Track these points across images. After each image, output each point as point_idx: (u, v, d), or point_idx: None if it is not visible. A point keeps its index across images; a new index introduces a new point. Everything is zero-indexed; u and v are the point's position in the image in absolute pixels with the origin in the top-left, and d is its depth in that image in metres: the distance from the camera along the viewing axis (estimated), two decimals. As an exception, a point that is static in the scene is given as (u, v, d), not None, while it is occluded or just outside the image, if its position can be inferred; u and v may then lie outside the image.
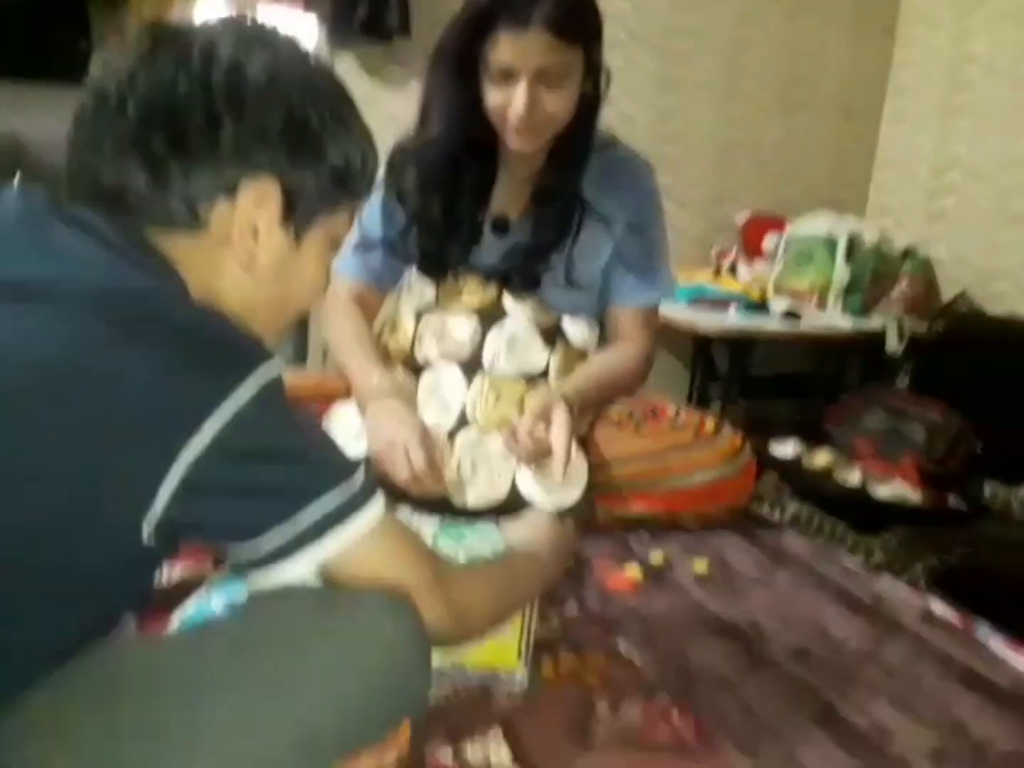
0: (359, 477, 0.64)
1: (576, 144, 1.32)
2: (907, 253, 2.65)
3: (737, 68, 2.84)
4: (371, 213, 1.42)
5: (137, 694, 0.58)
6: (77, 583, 0.58)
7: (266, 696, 0.58)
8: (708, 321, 2.45)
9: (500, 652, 0.90)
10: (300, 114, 0.64)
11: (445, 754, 0.74)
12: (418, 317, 1.41)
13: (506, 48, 1.19)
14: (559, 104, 1.24)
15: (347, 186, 0.68)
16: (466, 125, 1.29)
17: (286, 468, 0.60)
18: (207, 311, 0.62)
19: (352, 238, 1.45)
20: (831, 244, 2.60)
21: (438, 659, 0.86)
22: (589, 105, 1.31)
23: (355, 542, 0.62)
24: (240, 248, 0.64)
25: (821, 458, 2.10)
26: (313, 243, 0.68)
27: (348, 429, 1.30)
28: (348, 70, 2.43)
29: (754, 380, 2.61)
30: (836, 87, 2.97)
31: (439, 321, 1.39)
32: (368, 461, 1.20)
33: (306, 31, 2.39)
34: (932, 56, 2.82)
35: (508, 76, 1.21)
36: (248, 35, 0.65)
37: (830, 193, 2.98)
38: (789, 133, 2.95)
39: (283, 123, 0.63)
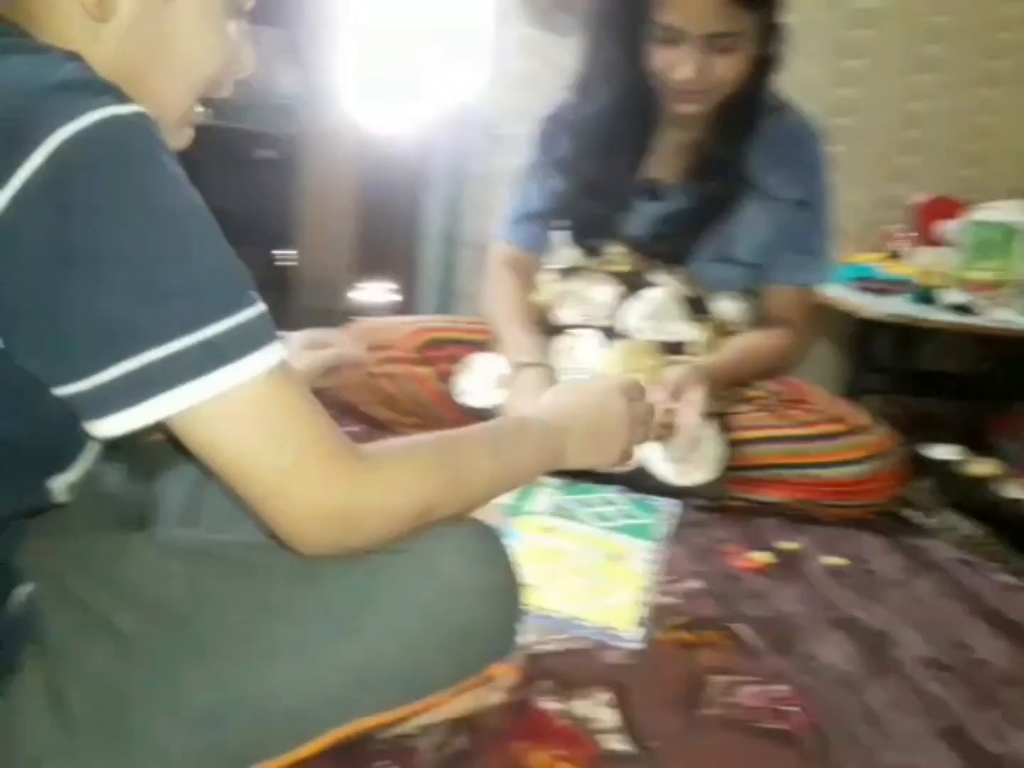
0: (240, 316, 0.50)
1: (744, 110, 1.26)
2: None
3: (931, 32, 2.62)
4: (527, 183, 1.43)
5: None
6: None
7: (336, 633, 0.59)
8: (873, 306, 2.31)
9: (618, 613, 0.90)
10: None
11: (554, 703, 0.75)
12: (561, 279, 1.40)
13: (675, 9, 1.15)
14: (729, 68, 1.19)
15: None
16: (627, 87, 1.26)
17: (118, 289, 0.48)
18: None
19: (509, 208, 1.46)
20: (1015, 234, 2.39)
21: (553, 608, 0.88)
22: (762, 68, 1.24)
23: (206, 406, 0.50)
24: None
25: (983, 467, 1.95)
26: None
27: (487, 376, 1.33)
28: (517, 16, 2.42)
29: (917, 375, 2.45)
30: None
31: (581, 285, 1.38)
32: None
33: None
34: None
35: (676, 38, 1.17)
36: None
37: (1017, 179, 2.72)
38: (981, 110, 2.70)
39: None
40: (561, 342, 1.35)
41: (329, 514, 0.55)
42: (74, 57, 0.52)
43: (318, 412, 0.55)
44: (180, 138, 0.62)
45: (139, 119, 0.49)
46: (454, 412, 1.31)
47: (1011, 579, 1.13)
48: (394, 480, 0.58)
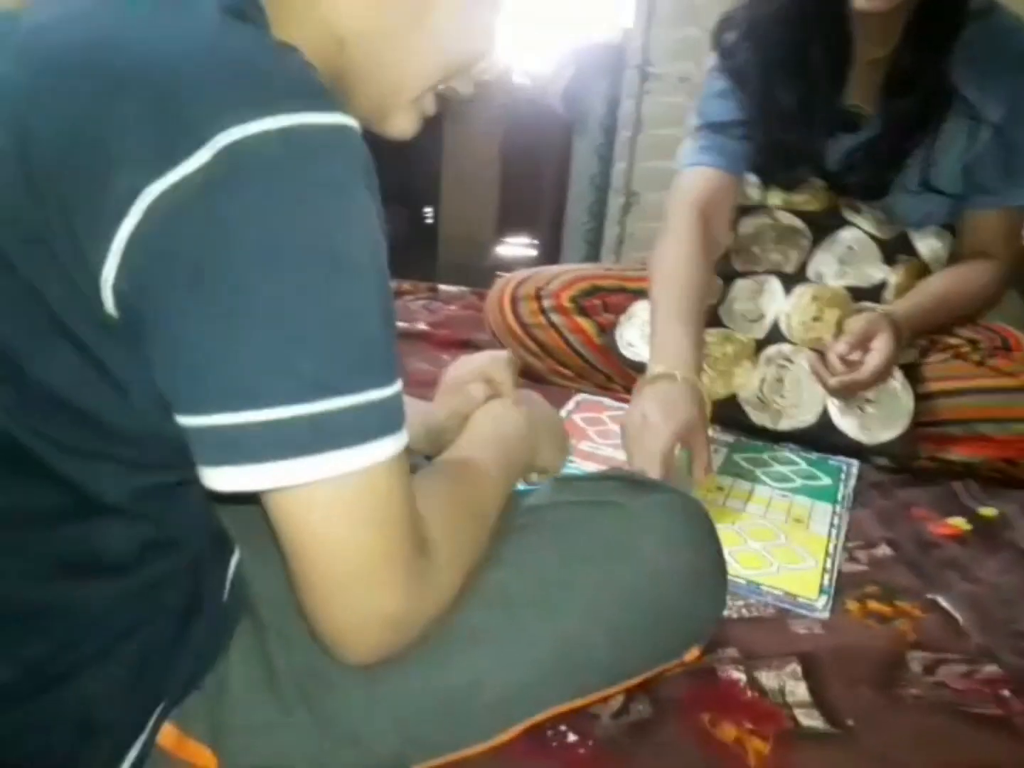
0: (383, 391, 0.43)
1: (942, 13, 1.11)
2: None
3: None
4: (709, 97, 1.30)
5: None
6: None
7: (534, 619, 0.57)
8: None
9: (801, 580, 0.85)
10: None
11: (737, 674, 0.71)
12: (739, 216, 1.31)
13: None
14: None
15: None
16: None
17: (264, 327, 0.40)
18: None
19: (689, 126, 1.35)
20: None
21: (732, 572, 0.84)
22: None
23: (321, 485, 0.43)
24: None
25: None
26: None
27: (641, 332, 1.26)
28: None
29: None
30: None
31: (765, 224, 1.28)
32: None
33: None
34: None
35: None
36: None
37: None
38: None
39: None
40: (736, 285, 1.27)
41: (396, 616, 0.49)
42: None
43: (413, 505, 0.48)
44: (406, 123, 0.57)
45: (338, 133, 0.41)
46: (615, 365, 1.26)
47: None
48: (445, 572, 0.52)
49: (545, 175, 2.96)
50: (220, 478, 0.42)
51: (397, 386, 0.44)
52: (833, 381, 1.09)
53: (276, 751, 0.53)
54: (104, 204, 0.39)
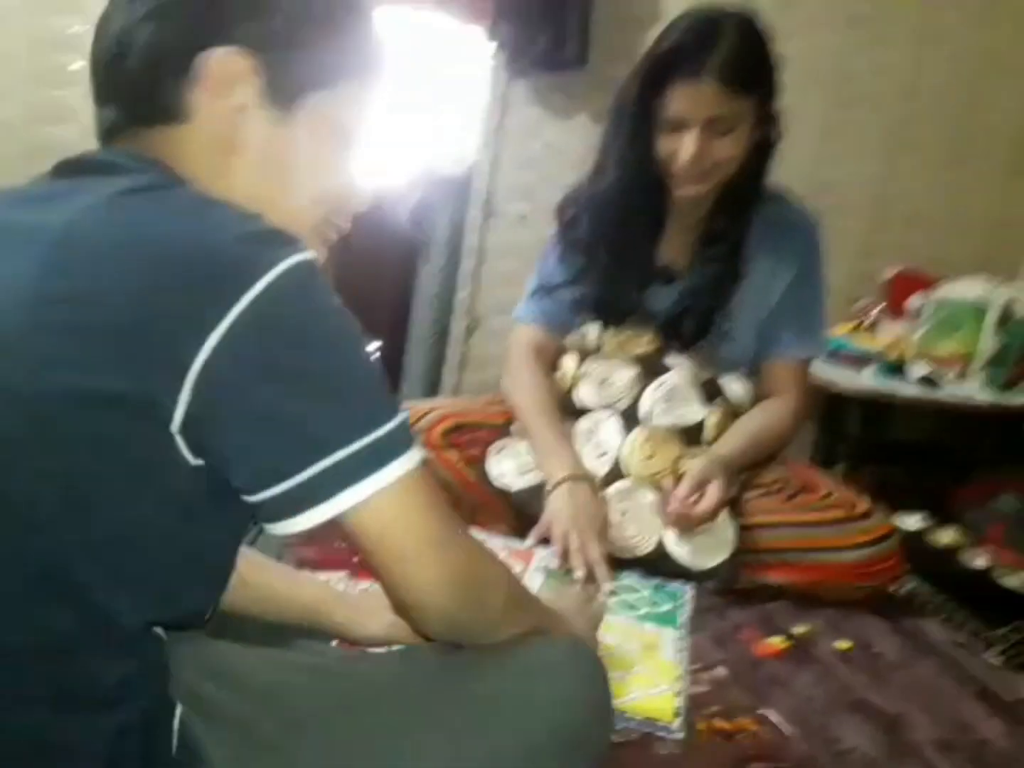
0: (395, 421, 0.58)
1: (744, 190, 1.38)
2: (1063, 329, 2.57)
3: (905, 117, 2.81)
4: (548, 260, 1.52)
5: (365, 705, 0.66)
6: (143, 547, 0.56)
7: (461, 730, 0.66)
8: (844, 379, 2.45)
9: (657, 705, 0.98)
10: None
11: (618, 797, 0.82)
12: (580, 360, 1.49)
13: (679, 99, 1.26)
14: (727, 151, 1.30)
15: (343, 59, 0.66)
16: (638, 175, 1.36)
17: (312, 401, 0.55)
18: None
19: (530, 287, 1.55)
20: (981, 311, 2.55)
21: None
22: (760, 152, 1.36)
23: (375, 497, 0.57)
24: (221, 125, 0.63)
25: (947, 536, 2.08)
26: (311, 122, 0.65)
27: (513, 465, 1.40)
28: (517, 98, 2.54)
29: (884, 446, 2.58)
30: (1006, 145, 2.90)
31: (601, 368, 1.47)
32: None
33: (479, 54, 2.51)
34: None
35: (679, 125, 1.28)
36: None
37: (984, 257, 2.91)
38: (951, 190, 2.89)
39: None
40: (581, 424, 1.44)
41: (462, 580, 0.63)
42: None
43: (444, 502, 0.64)
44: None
45: (314, 263, 0.57)
46: (484, 495, 1.38)
47: (995, 660, 1.24)
48: (494, 560, 0.70)
49: (385, 291, 3.08)
50: (303, 522, 0.56)
51: (403, 415, 0.60)
52: (672, 518, 1.27)
53: None
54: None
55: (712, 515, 1.27)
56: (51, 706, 0.53)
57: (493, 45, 2.50)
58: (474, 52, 2.54)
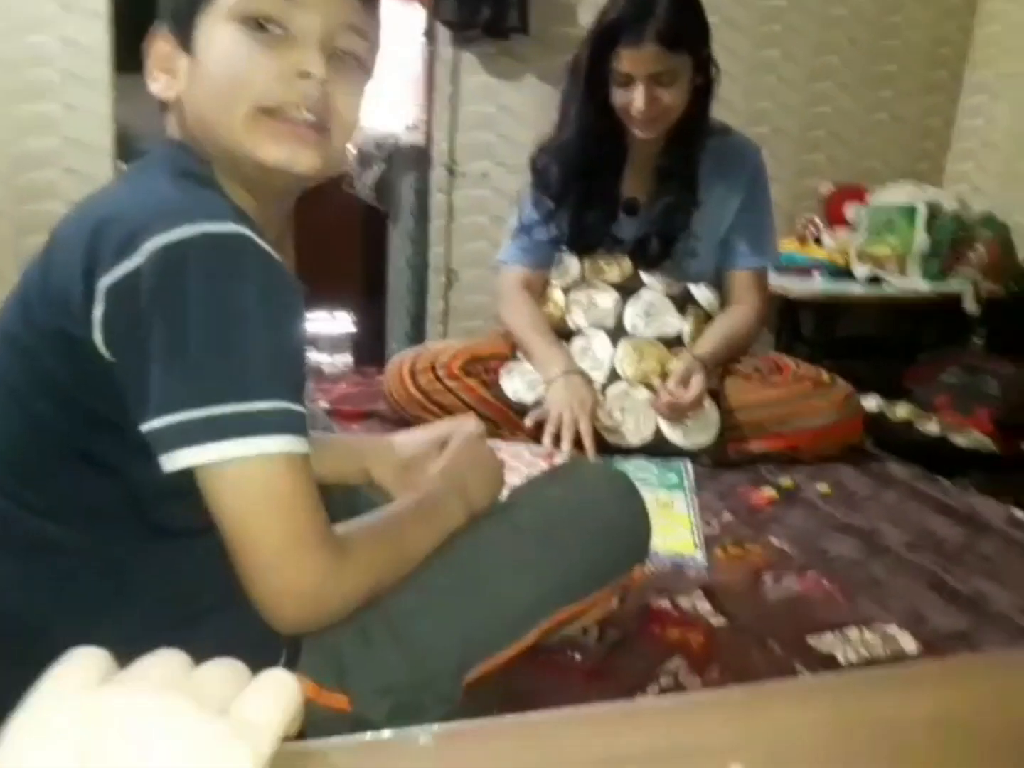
0: (272, 404, 0.60)
1: (691, 128, 1.60)
2: (985, 219, 2.84)
3: (823, 45, 3.04)
4: (523, 206, 1.72)
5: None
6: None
7: (538, 550, 0.86)
8: (797, 287, 2.69)
9: (680, 544, 1.20)
10: None
11: (664, 603, 1.05)
12: (566, 291, 1.71)
13: (625, 60, 1.48)
14: (672, 98, 1.52)
15: None
16: (598, 121, 1.58)
17: (209, 352, 0.59)
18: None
19: (510, 230, 1.75)
20: (911, 212, 2.79)
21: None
22: (701, 94, 1.58)
23: (232, 460, 0.59)
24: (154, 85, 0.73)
25: (902, 411, 2.34)
26: (206, 41, 0.69)
27: (523, 382, 1.62)
28: (468, 66, 2.71)
29: (837, 342, 2.83)
30: (923, 61, 3.14)
31: (585, 295, 1.69)
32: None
33: (413, 25, 2.67)
34: (1014, 30, 2.98)
35: (628, 80, 1.50)
36: None
37: (909, 164, 3.17)
38: (873, 108, 3.14)
39: None
40: (575, 344, 1.66)
41: (306, 596, 0.64)
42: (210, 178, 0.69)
43: (319, 507, 0.64)
44: (277, 152, 0.68)
45: (236, 237, 0.60)
46: (503, 412, 1.60)
47: (949, 484, 1.49)
48: (356, 570, 0.68)
49: (360, 257, 3.23)
50: (171, 462, 0.59)
51: (294, 406, 0.61)
52: (663, 407, 1.50)
53: (381, 674, 0.74)
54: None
55: (697, 403, 1.50)
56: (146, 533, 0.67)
57: (422, 14, 2.67)
58: (407, 29, 2.70)
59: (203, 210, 0.61)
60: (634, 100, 1.49)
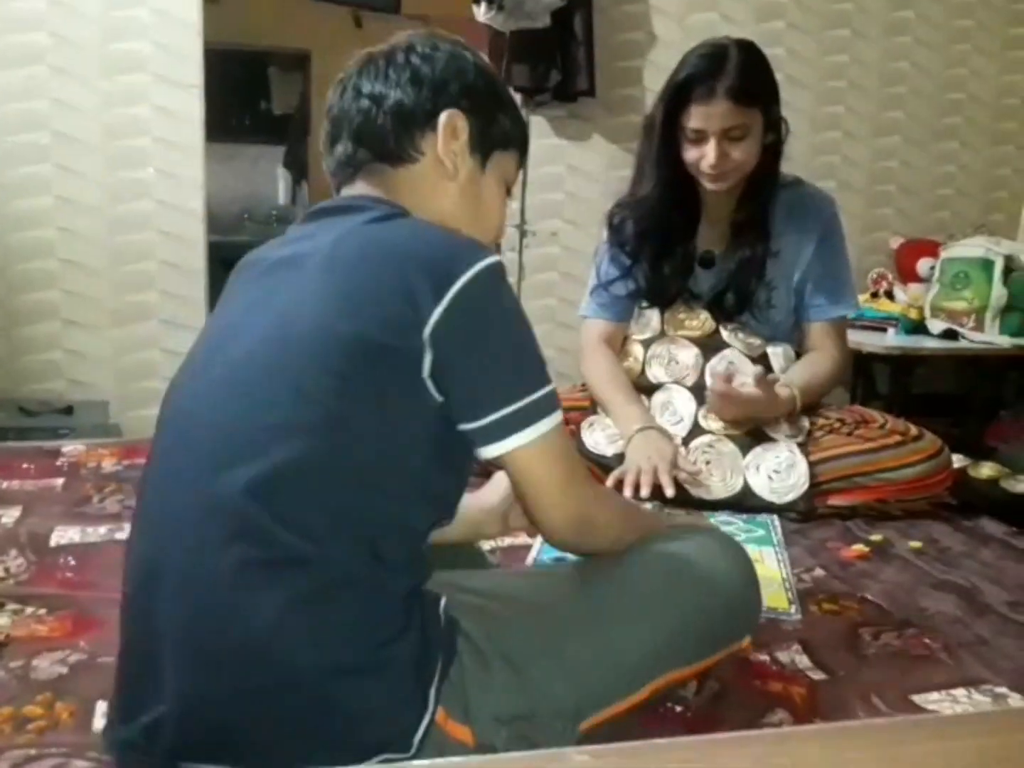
0: (548, 388, 0.78)
1: (762, 184, 1.62)
2: (1063, 271, 2.79)
3: (888, 101, 3.06)
4: (601, 262, 1.76)
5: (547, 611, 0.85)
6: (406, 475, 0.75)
7: (657, 605, 0.88)
8: (870, 341, 2.67)
9: (773, 599, 1.19)
10: (479, 69, 0.91)
11: (763, 657, 1.04)
12: (646, 345, 1.73)
13: (697, 116, 1.53)
14: (743, 154, 1.55)
15: (512, 133, 0.92)
16: (671, 178, 1.62)
17: (499, 368, 0.76)
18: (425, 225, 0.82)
19: (590, 286, 1.78)
20: (987, 265, 2.76)
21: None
22: (771, 151, 1.61)
23: (533, 440, 0.76)
24: (447, 163, 0.86)
25: (987, 469, 2.27)
26: (493, 173, 0.91)
27: (603, 436, 1.63)
28: (538, 129, 2.80)
29: (914, 398, 2.78)
30: (986, 113, 3.14)
31: (666, 349, 1.70)
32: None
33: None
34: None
35: (700, 136, 1.54)
36: (429, 35, 0.92)
37: (981, 216, 3.15)
38: (938, 160, 3.13)
39: (466, 76, 0.89)
40: (656, 398, 1.67)
41: (577, 519, 0.83)
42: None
43: (577, 455, 0.86)
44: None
45: (501, 264, 0.78)
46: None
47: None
48: (613, 507, 0.91)
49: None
50: (496, 450, 0.76)
51: (552, 385, 0.79)
52: (719, 387, 1.52)
53: (500, 704, 0.77)
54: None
55: (749, 405, 1.51)
56: (371, 559, 0.72)
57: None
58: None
59: (476, 246, 0.79)
60: (706, 155, 1.53)
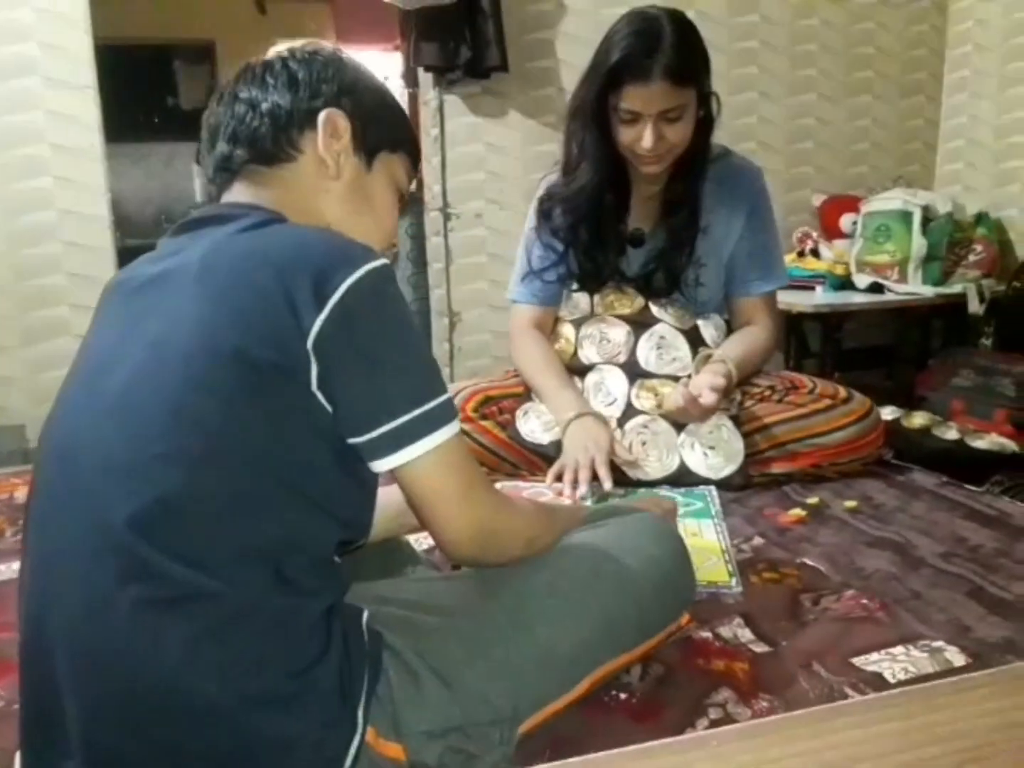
0: (444, 396, 0.75)
1: (694, 161, 1.59)
2: (980, 218, 2.84)
3: (799, 58, 3.07)
4: (532, 248, 1.72)
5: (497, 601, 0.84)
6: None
7: (583, 598, 0.86)
8: (800, 301, 2.69)
9: (714, 573, 1.19)
10: (359, 71, 0.89)
11: (705, 634, 1.03)
12: (577, 325, 1.70)
13: (632, 98, 1.46)
14: (679, 134, 1.51)
15: (399, 135, 0.90)
16: (603, 160, 1.57)
17: (386, 377, 0.71)
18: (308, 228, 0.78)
19: (519, 271, 1.74)
20: (906, 217, 2.80)
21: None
22: (703, 127, 1.57)
23: (427, 452, 0.73)
24: (329, 161, 0.84)
25: (918, 419, 2.32)
26: (380, 175, 0.88)
27: (539, 423, 1.60)
28: (452, 108, 2.74)
29: (846, 353, 2.83)
30: (895, 66, 3.17)
31: (596, 329, 1.68)
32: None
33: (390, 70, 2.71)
34: (986, 27, 3.01)
35: (635, 118, 1.48)
36: (309, 43, 0.90)
37: (898, 169, 3.19)
38: (853, 115, 3.16)
39: (345, 76, 0.87)
40: (589, 379, 1.65)
41: (480, 530, 0.78)
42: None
43: (477, 464, 0.81)
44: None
45: (389, 267, 0.74)
46: (520, 453, 1.58)
47: (978, 490, 1.47)
48: (518, 514, 0.84)
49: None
50: (386, 464, 0.73)
51: (448, 393, 0.76)
52: (683, 398, 1.46)
53: (432, 719, 0.74)
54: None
55: (711, 411, 1.48)
56: (277, 585, 0.68)
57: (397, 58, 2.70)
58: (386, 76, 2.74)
59: (361, 249, 0.74)
60: (643, 138, 1.47)
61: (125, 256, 2.47)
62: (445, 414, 0.75)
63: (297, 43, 0.89)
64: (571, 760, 0.71)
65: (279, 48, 0.88)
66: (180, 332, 0.70)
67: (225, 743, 0.66)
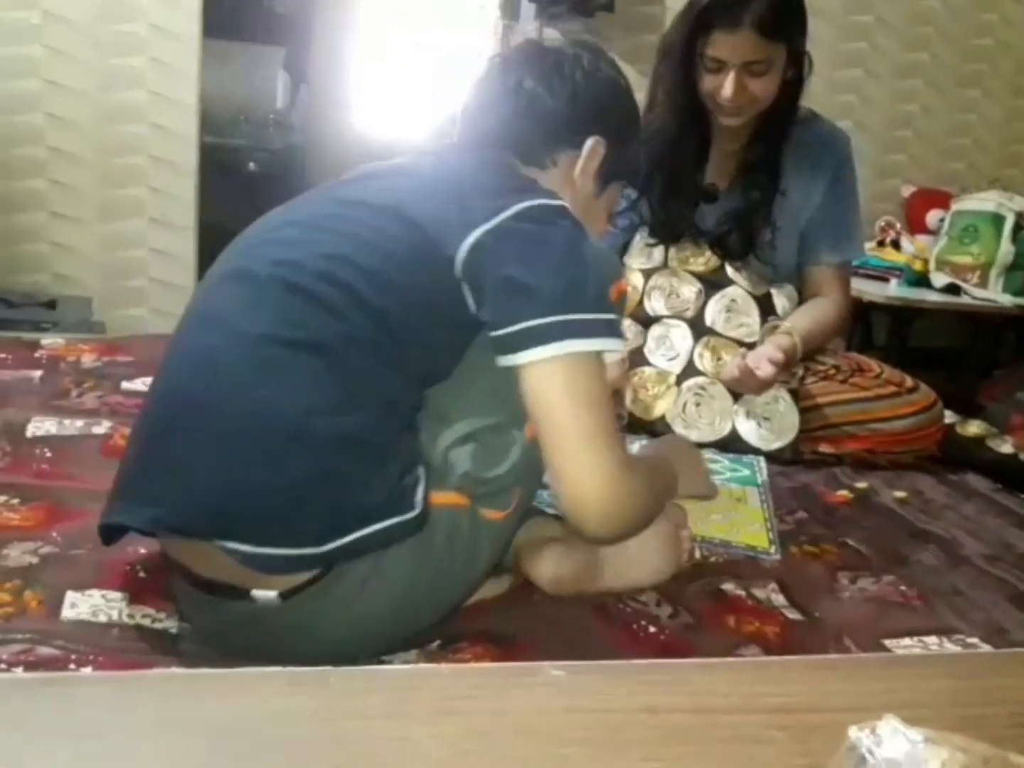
0: (594, 316, 0.78)
1: (778, 122, 1.55)
2: (1074, 232, 2.73)
3: (913, 40, 2.95)
4: None
5: None
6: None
7: None
8: (871, 290, 2.63)
9: (754, 537, 1.19)
10: (629, 102, 1.00)
11: (739, 592, 1.03)
12: (647, 275, 1.68)
13: (719, 45, 1.43)
14: (762, 89, 1.46)
15: (634, 167, 1.01)
16: (685, 107, 1.54)
17: (552, 276, 0.78)
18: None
19: None
20: (998, 220, 2.70)
21: (709, 535, 1.16)
22: (791, 88, 1.53)
23: (550, 360, 0.76)
24: (579, 183, 0.94)
25: (973, 428, 2.27)
26: (605, 200, 1.00)
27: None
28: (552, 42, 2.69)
29: (910, 351, 2.76)
30: (1012, 64, 3.03)
31: (668, 281, 1.65)
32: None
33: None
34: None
35: (720, 66, 1.45)
36: (595, 52, 0.99)
37: (997, 171, 3.07)
38: (960, 109, 3.04)
39: (619, 108, 0.98)
40: (653, 331, 1.63)
41: (601, 486, 0.78)
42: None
43: (611, 404, 0.82)
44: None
45: (559, 207, 0.83)
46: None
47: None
48: (639, 484, 0.83)
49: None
50: (510, 360, 0.78)
51: (607, 317, 0.80)
52: (738, 369, 1.44)
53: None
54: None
55: (767, 384, 1.45)
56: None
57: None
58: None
59: (546, 193, 0.86)
60: (724, 87, 1.44)
61: (205, 149, 2.51)
62: (589, 329, 0.77)
63: (585, 45, 1.00)
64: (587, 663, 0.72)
65: (567, 45, 0.98)
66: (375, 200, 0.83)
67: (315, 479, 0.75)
